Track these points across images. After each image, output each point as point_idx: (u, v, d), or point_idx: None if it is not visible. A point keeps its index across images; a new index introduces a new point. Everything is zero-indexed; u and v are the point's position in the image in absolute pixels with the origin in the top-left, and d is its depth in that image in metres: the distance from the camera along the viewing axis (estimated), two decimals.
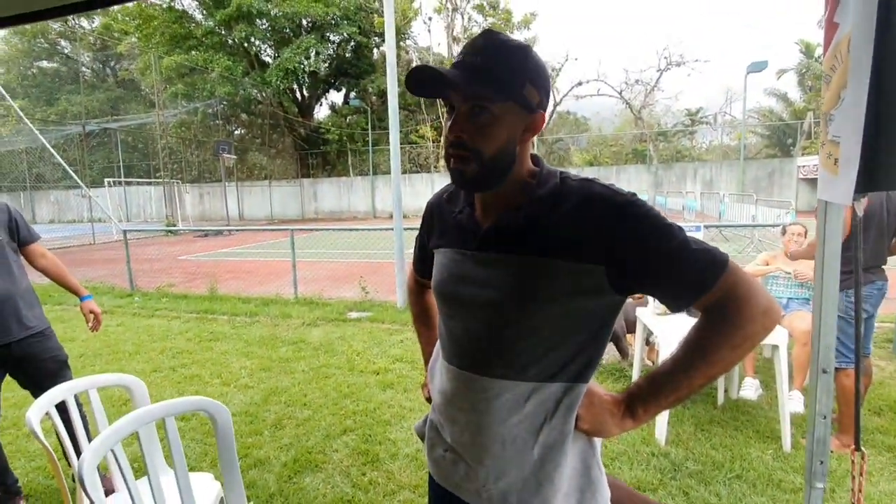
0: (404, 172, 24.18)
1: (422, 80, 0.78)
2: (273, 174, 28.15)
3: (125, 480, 1.22)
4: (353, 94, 28.32)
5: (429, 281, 1.00)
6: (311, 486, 2.37)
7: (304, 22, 24.69)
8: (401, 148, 6.19)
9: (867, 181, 0.86)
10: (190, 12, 25.60)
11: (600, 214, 0.77)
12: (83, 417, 1.89)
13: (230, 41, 24.69)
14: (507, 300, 0.81)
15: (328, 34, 25.34)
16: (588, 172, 21.90)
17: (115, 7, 25.01)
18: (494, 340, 0.84)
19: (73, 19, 29.83)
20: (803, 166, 18.47)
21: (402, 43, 25.31)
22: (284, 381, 3.69)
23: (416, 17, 26.25)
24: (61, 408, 1.61)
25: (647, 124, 27.10)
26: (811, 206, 16.22)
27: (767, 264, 3.48)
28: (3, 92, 8.56)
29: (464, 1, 25.35)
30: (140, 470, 1.81)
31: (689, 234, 0.78)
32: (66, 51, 33.17)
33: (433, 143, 25.49)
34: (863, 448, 1.01)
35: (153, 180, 22.93)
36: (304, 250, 10.46)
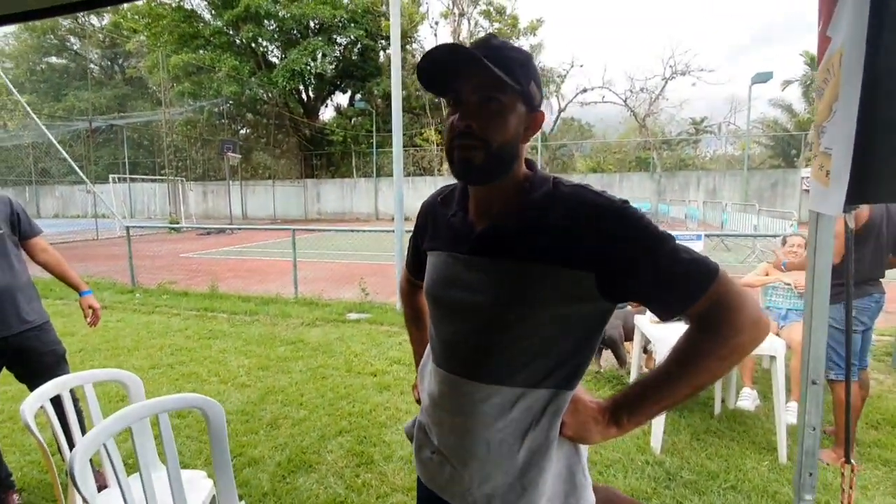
0: (408, 175, 24.24)
1: (441, 62, 0.78)
2: (277, 174, 28.27)
3: (116, 476, 1.22)
4: (358, 96, 28.43)
5: (422, 282, 1.01)
6: (304, 487, 2.37)
7: (312, 24, 24.84)
8: (405, 151, 6.21)
9: (858, 193, 0.86)
10: (199, 12, 25.78)
11: (591, 221, 0.78)
12: (80, 412, 1.90)
13: (238, 41, 24.84)
14: (497, 305, 0.82)
15: (335, 36, 25.49)
16: (591, 179, 22.04)
17: (125, 5, 25.29)
18: (483, 345, 0.84)
19: (83, 16, 30.05)
20: (807, 177, 18.44)
21: (408, 46, 25.42)
22: (282, 380, 3.70)
23: (422, 21, 26.38)
24: (56, 402, 1.62)
25: (651, 132, 27.11)
26: None
27: (767, 274, 3.48)
28: (11, 87, 8.64)
29: (470, 6, 25.44)
30: (134, 466, 1.82)
31: (686, 243, 0.78)
32: (75, 47, 33.44)
33: (437, 146, 25.53)
34: (853, 461, 1.01)
35: (158, 177, 23.02)
36: (306, 250, 10.48)
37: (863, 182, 0.84)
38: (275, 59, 26.46)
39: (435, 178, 24.49)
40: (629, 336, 3.71)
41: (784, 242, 3.48)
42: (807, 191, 18.60)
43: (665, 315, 0.80)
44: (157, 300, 6.51)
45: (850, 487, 1.00)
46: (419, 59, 0.81)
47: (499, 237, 0.84)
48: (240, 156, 21.65)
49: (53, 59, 34.17)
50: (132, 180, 22.98)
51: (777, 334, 3.15)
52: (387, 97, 25.05)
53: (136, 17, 26.21)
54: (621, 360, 3.86)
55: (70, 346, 4.30)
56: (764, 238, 9.39)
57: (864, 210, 2.38)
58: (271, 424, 3.01)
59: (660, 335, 2.96)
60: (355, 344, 4.54)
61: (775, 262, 3.40)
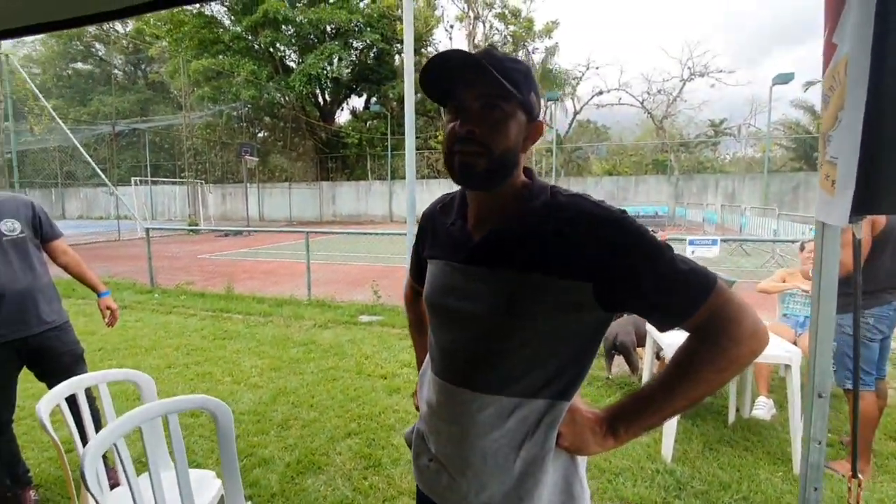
0: (422, 178, 24.34)
1: (444, 69, 0.79)
2: (293, 176, 28.65)
3: (126, 475, 1.26)
4: (373, 100, 28.69)
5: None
6: (312, 488, 2.39)
7: (329, 28, 25.15)
8: (419, 153, 6.25)
9: (864, 204, 0.84)
10: (219, 18, 26.32)
11: (589, 231, 0.78)
12: (97, 411, 1.95)
13: (256, 46, 25.28)
14: (493, 314, 0.82)
15: (351, 41, 25.76)
16: (607, 182, 21.84)
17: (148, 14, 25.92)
18: (479, 354, 0.84)
19: (108, 23, 30.91)
20: None
21: (423, 50, 25.55)
22: (293, 381, 3.74)
23: (437, 25, 26.50)
24: (72, 401, 1.66)
25: (668, 134, 26.77)
26: None
27: (784, 281, 3.41)
28: (37, 92, 8.92)
29: (486, 9, 25.48)
30: (147, 465, 1.86)
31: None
32: (100, 53, 34.41)
33: None
34: (860, 475, 0.99)
35: (178, 180, 23.53)
36: (320, 253, 10.59)
37: (870, 193, 0.83)
38: (292, 64, 26.86)
39: (449, 180, 24.44)
40: (641, 342, 3.67)
41: (802, 248, 3.40)
42: None
43: (663, 326, 0.79)
44: (175, 300, 6.64)
45: (857, 502, 0.98)
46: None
47: (496, 246, 0.84)
48: (257, 159, 21.98)
49: (79, 65, 35.22)
50: (153, 183, 23.53)
51: (794, 342, 3.08)
52: (402, 100, 25.12)
53: (159, 23, 26.87)
54: (633, 366, 3.81)
55: (90, 345, 4.44)
56: (783, 243, 9.18)
57: (882, 216, 2.32)
58: (282, 425, 3.04)
59: (672, 341, 2.92)
60: (366, 346, 4.57)
61: (802, 270, 3.32)
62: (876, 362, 2.49)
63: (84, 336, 2.41)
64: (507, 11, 25.98)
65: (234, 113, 26.34)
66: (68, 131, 11.38)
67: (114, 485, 1.81)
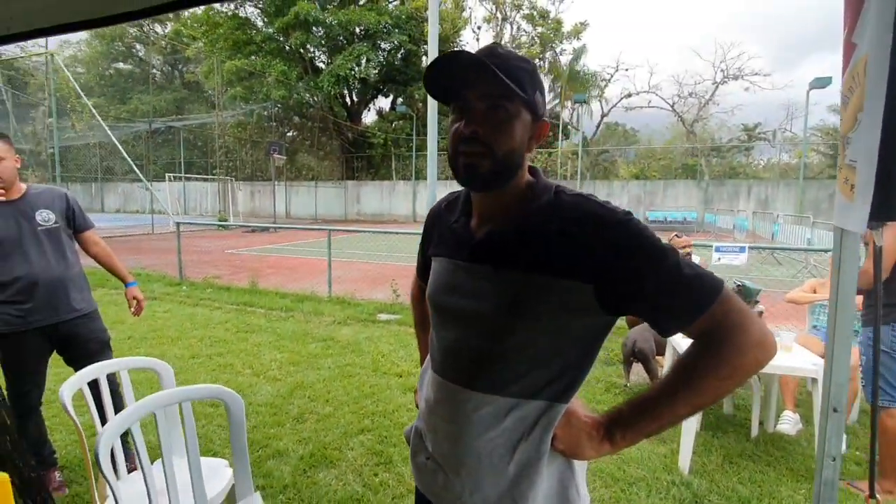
0: (445, 178, 24.35)
1: (448, 69, 0.79)
2: (320, 175, 29.12)
3: (139, 460, 1.30)
4: (399, 101, 28.92)
5: None
6: (324, 482, 2.43)
7: (357, 30, 25.49)
8: (442, 154, 6.27)
9: (884, 210, 0.80)
10: (252, 20, 27.01)
11: (592, 232, 0.77)
12: (121, 396, 2.02)
13: (287, 47, 25.83)
14: (494, 314, 0.82)
15: (379, 42, 26.05)
16: (633, 186, 21.41)
17: (186, 13, 26.79)
18: (479, 353, 0.84)
19: (148, 24, 32.11)
20: None
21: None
22: (311, 376, 3.80)
23: (465, 26, 26.53)
24: (95, 385, 1.73)
25: (699, 138, 26.09)
26: None
27: (815, 291, 3.28)
28: (80, 91, 9.32)
29: (514, 11, 25.36)
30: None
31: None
32: (140, 54, 35.78)
33: None
34: (878, 496, 0.94)
35: (209, 177, 24.23)
36: (342, 250, 10.72)
37: (887, 198, 0.79)
38: (321, 65, 27.34)
39: None
40: (661, 350, 3.58)
41: None
42: None
43: (665, 331, 0.78)
44: (202, 293, 6.83)
45: None
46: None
47: (498, 246, 0.84)
48: (285, 157, 22.46)
49: (120, 65, 36.70)
50: (187, 179, 24.30)
51: (822, 355, 2.96)
52: (427, 101, 25.33)
53: (196, 25, 27.77)
54: (652, 374, 3.73)
55: (120, 334, 4.61)
56: (816, 252, 8.82)
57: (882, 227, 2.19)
58: (297, 419, 3.09)
59: None
60: (383, 344, 4.60)
61: None
62: None
63: (114, 325, 2.51)
64: (535, 13, 25.81)
65: (265, 112, 26.98)
66: (107, 129, 11.86)
67: (132, 469, 1.87)
